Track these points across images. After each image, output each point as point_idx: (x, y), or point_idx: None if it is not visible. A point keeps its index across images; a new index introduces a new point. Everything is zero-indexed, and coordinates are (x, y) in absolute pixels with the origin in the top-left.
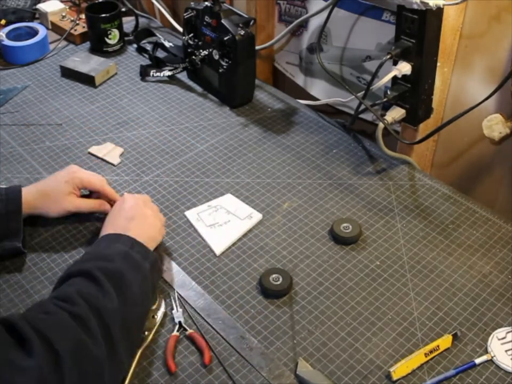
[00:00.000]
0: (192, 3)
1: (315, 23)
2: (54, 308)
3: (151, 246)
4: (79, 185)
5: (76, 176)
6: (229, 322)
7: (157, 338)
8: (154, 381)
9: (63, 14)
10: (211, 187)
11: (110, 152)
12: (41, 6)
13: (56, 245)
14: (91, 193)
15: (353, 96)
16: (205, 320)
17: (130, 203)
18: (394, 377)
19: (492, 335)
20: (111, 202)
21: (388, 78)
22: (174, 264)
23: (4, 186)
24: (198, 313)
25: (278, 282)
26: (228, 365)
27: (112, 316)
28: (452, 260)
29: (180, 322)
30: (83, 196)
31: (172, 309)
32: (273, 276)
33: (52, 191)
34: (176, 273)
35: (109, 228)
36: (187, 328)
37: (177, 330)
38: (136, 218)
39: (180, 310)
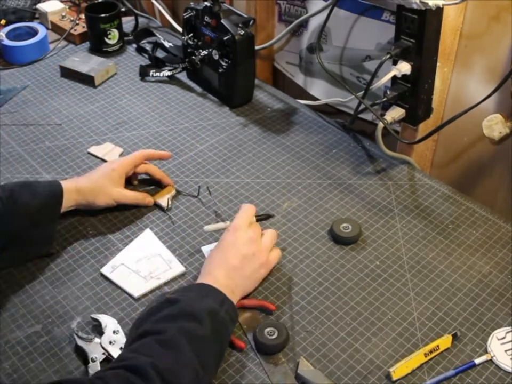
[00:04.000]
0: (191, 3)
1: (315, 23)
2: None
3: (240, 297)
4: (125, 171)
5: (119, 164)
6: None
7: None
8: (239, 366)
9: (63, 14)
10: (211, 187)
11: (110, 152)
12: (41, 6)
13: (55, 245)
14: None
15: (353, 96)
16: (241, 326)
17: (246, 241)
18: (394, 377)
19: (491, 335)
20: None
21: (387, 77)
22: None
23: (44, 182)
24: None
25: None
26: (228, 365)
27: None
28: (452, 259)
29: None
30: (143, 181)
31: None
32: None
33: (100, 180)
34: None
35: (205, 271)
36: None
37: None
38: (245, 259)
39: None
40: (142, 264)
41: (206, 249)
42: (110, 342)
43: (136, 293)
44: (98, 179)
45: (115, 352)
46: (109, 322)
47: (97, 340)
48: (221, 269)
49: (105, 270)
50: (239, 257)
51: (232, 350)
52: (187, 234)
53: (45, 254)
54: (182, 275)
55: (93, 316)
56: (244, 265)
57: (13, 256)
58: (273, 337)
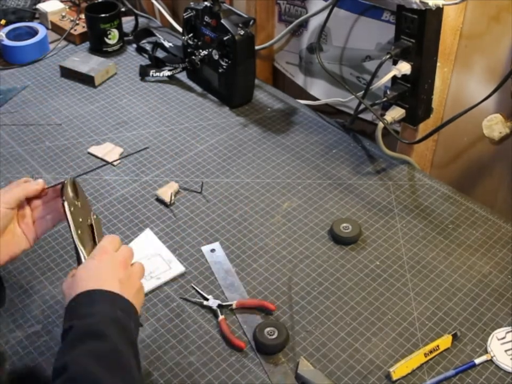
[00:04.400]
0: (191, 3)
1: (315, 23)
2: None
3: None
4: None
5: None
6: None
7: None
8: (212, 354)
9: (63, 14)
10: (211, 187)
11: (110, 152)
12: (41, 6)
13: (56, 245)
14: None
15: (353, 96)
16: (241, 326)
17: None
18: (394, 377)
19: (491, 335)
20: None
21: (387, 77)
22: (227, 261)
23: None
24: (236, 317)
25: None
26: (228, 365)
27: None
28: (452, 259)
29: (219, 305)
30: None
31: (206, 299)
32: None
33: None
34: (228, 272)
35: (80, 282)
36: (229, 303)
37: (221, 314)
38: (124, 283)
39: (210, 296)
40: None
41: (205, 249)
42: None
43: None
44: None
45: None
46: None
47: None
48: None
49: None
50: (114, 280)
51: (232, 350)
52: (187, 234)
53: None
54: (181, 275)
55: None
56: (121, 289)
57: None
58: (273, 337)
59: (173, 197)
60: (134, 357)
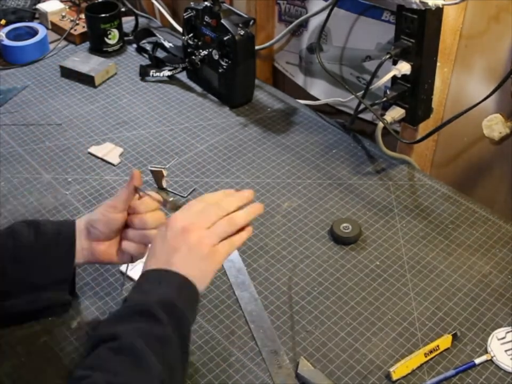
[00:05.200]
0: (192, 3)
1: (315, 23)
2: None
3: (204, 282)
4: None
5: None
6: (270, 334)
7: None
8: (212, 354)
9: (63, 14)
10: (211, 187)
11: (110, 152)
12: (41, 6)
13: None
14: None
15: (353, 96)
16: (248, 325)
17: (182, 221)
18: (394, 377)
19: (491, 335)
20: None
21: (387, 77)
22: (240, 260)
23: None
24: (244, 316)
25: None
26: (228, 365)
27: None
28: (452, 259)
29: None
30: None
31: None
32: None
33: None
34: (239, 270)
35: (153, 258)
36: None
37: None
38: (182, 248)
39: None
40: None
41: None
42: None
43: None
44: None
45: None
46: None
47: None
48: (161, 265)
49: (124, 268)
50: (173, 235)
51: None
52: None
53: (59, 304)
54: None
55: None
56: (180, 241)
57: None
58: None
59: (164, 182)
60: (180, 348)
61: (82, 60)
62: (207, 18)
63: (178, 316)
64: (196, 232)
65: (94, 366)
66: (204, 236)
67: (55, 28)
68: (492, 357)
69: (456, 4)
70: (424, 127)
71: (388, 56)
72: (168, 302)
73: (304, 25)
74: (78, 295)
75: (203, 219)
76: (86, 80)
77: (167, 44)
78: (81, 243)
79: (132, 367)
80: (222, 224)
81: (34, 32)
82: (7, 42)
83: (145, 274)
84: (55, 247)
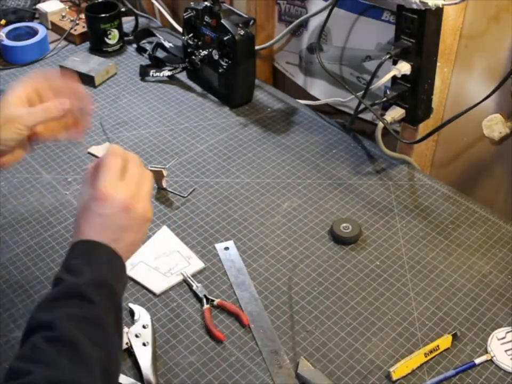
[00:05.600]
0: (192, 3)
1: (315, 23)
2: None
3: (133, 253)
4: (26, 93)
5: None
6: (270, 334)
7: (191, 317)
8: (212, 354)
9: (63, 14)
10: (211, 187)
11: None
12: (41, 6)
13: (56, 245)
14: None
15: (353, 96)
16: (248, 326)
17: (118, 193)
18: (394, 377)
19: (491, 335)
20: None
21: (387, 77)
22: (240, 260)
23: None
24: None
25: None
26: (228, 365)
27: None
28: (452, 259)
29: (205, 295)
30: None
31: (192, 286)
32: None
33: None
34: (240, 270)
35: (83, 226)
36: (213, 298)
37: (207, 303)
38: (125, 237)
39: (199, 284)
40: (161, 260)
41: (219, 246)
42: (136, 335)
43: (158, 290)
44: None
45: (137, 347)
46: (142, 314)
47: (126, 329)
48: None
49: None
50: (116, 231)
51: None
52: (187, 234)
53: None
54: (201, 271)
55: (130, 305)
56: (124, 236)
57: None
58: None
59: (164, 182)
60: (115, 323)
61: (82, 60)
62: (207, 18)
63: (110, 293)
64: (139, 208)
65: (31, 358)
66: (146, 210)
67: (55, 28)
68: (492, 357)
69: (456, 3)
70: (424, 127)
71: (387, 56)
72: (100, 281)
73: (304, 25)
74: None
75: (134, 187)
76: (86, 80)
77: (167, 44)
78: None
79: (71, 357)
80: (148, 188)
81: (34, 32)
82: (7, 42)
83: (76, 246)
84: None
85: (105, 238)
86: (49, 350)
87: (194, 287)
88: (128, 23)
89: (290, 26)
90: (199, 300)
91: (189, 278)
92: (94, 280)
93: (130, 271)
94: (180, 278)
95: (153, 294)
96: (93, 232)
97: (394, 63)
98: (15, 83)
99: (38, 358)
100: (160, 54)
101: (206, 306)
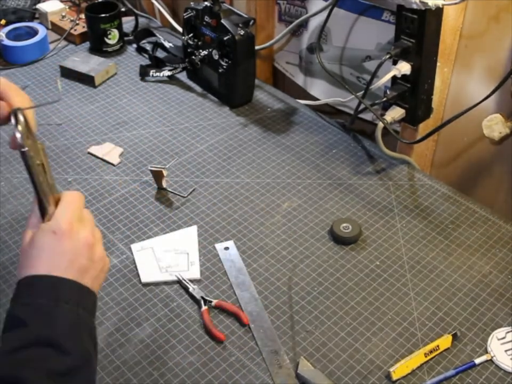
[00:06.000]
0: (192, 3)
1: (315, 23)
2: None
3: (97, 286)
4: None
5: None
6: (270, 334)
7: (188, 320)
8: (212, 354)
9: (63, 14)
10: (211, 187)
11: (110, 152)
12: (41, 6)
13: None
14: None
15: (353, 96)
16: (248, 326)
17: (80, 249)
18: (394, 377)
19: (491, 335)
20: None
21: (387, 77)
22: (240, 260)
23: None
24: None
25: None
26: (228, 365)
27: None
28: (452, 259)
29: (202, 297)
30: None
31: (187, 288)
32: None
33: None
34: (240, 270)
35: (37, 261)
36: (211, 299)
37: (205, 305)
38: (85, 279)
39: (195, 286)
40: (167, 255)
41: (219, 246)
42: None
43: (144, 279)
44: None
45: None
46: None
47: None
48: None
49: (135, 247)
50: (74, 272)
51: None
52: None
53: None
54: (195, 280)
55: None
56: (83, 277)
57: None
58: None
59: (164, 182)
60: (92, 368)
61: (82, 60)
62: (207, 18)
63: (83, 323)
64: (98, 247)
65: None
66: (101, 250)
67: (55, 28)
68: (492, 357)
69: (456, 3)
70: (424, 127)
71: (387, 56)
72: (74, 320)
73: (304, 25)
74: None
75: (90, 226)
76: (86, 80)
77: (167, 44)
78: None
79: None
80: (100, 235)
81: (34, 32)
82: (7, 42)
83: (35, 281)
84: None
85: (70, 273)
86: None
87: (190, 289)
88: (128, 23)
89: (290, 26)
90: (197, 302)
91: (184, 280)
92: (65, 325)
93: (138, 252)
94: (173, 277)
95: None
96: (50, 265)
97: (394, 63)
98: None
99: None
100: (160, 54)
101: (204, 307)
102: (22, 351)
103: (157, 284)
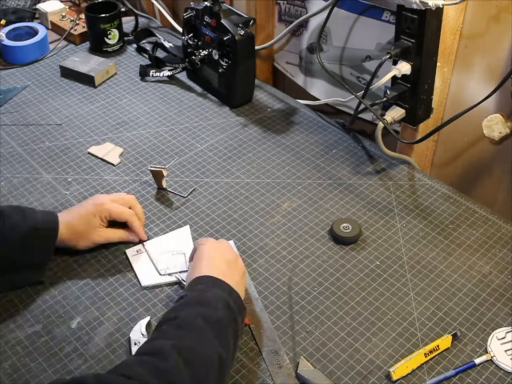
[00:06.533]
0: (192, 3)
1: (315, 23)
2: (140, 370)
3: (243, 296)
4: (108, 217)
5: (104, 208)
6: (270, 334)
7: None
8: (239, 366)
9: (63, 14)
10: (211, 187)
11: (110, 152)
12: (41, 6)
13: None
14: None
15: (353, 96)
16: (248, 326)
17: (218, 246)
18: (394, 377)
19: (491, 335)
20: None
21: (387, 77)
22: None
23: (39, 210)
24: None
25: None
26: None
27: (208, 368)
28: (452, 259)
29: None
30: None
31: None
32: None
33: (80, 226)
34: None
35: (202, 267)
36: None
37: None
38: (230, 264)
39: None
40: (163, 257)
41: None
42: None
43: (144, 283)
44: (77, 226)
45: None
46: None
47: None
48: (212, 274)
49: (129, 252)
50: (224, 262)
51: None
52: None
53: (32, 283)
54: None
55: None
56: (231, 270)
57: None
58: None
59: (164, 182)
60: (233, 336)
61: (82, 60)
62: (207, 18)
63: (232, 309)
64: (240, 263)
65: (158, 337)
66: (243, 269)
67: (55, 28)
68: (492, 357)
69: (456, 3)
70: (424, 127)
71: (387, 56)
72: (223, 298)
73: (304, 25)
74: (79, 295)
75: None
76: (86, 80)
77: (167, 44)
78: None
79: (193, 337)
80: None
81: (34, 32)
82: (7, 42)
83: (200, 278)
84: (39, 232)
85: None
86: (174, 330)
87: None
88: (128, 23)
89: (290, 26)
90: None
91: (183, 281)
92: (217, 295)
93: (133, 256)
94: (173, 279)
95: (139, 284)
96: (209, 269)
97: (394, 63)
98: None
99: (164, 335)
100: (160, 54)
101: None
102: (186, 304)
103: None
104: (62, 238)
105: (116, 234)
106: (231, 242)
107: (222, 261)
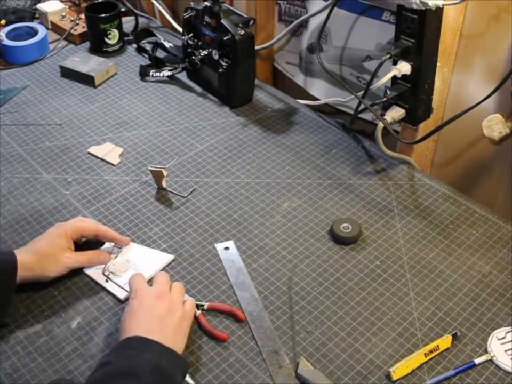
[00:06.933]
0: (191, 3)
1: (315, 23)
2: None
3: (180, 349)
4: (73, 236)
5: (67, 226)
6: (270, 334)
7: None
8: (212, 354)
9: (63, 14)
10: (211, 187)
11: (110, 152)
12: (41, 6)
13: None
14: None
15: (353, 96)
16: (248, 325)
17: (149, 299)
18: (394, 377)
19: (491, 335)
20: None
21: (387, 77)
22: (240, 260)
23: None
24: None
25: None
26: (228, 365)
27: None
28: (452, 259)
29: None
30: (82, 246)
31: None
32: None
33: (45, 248)
34: (240, 270)
35: (132, 327)
36: (203, 303)
37: (198, 309)
38: (163, 317)
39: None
40: (127, 274)
41: (219, 246)
42: None
43: (122, 295)
44: (42, 248)
45: None
46: None
47: None
48: (142, 334)
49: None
50: (155, 318)
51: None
52: (187, 234)
53: None
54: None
55: None
56: (164, 325)
57: None
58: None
59: (164, 182)
60: None
61: (82, 60)
62: (207, 18)
63: (163, 370)
64: (174, 312)
65: None
66: (180, 312)
67: (55, 28)
68: (492, 357)
69: (456, 3)
70: (424, 127)
71: (387, 56)
72: (152, 362)
73: (304, 25)
74: (79, 295)
75: (167, 298)
76: (86, 80)
77: (167, 44)
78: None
79: None
80: (176, 289)
81: (34, 32)
82: (7, 42)
83: (130, 339)
84: None
85: (152, 333)
86: None
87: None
88: (128, 23)
89: (290, 26)
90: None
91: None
92: (148, 363)
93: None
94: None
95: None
96: (138, 329)
97: (394, 63)
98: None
99: None
100: (160, 54)
101: (198, 312)
102: (107, 378)
103: None
104: (28, 266)
105: (85, 256)
106: (231, 242)
107: (153, 317)
